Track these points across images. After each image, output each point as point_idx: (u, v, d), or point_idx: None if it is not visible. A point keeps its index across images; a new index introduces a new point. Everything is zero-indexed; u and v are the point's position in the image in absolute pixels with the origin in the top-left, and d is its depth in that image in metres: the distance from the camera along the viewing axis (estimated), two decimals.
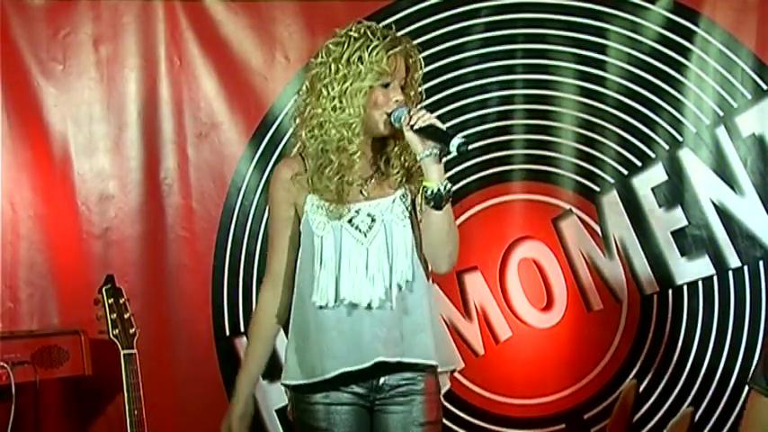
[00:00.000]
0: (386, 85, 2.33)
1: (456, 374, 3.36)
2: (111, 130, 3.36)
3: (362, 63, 2.30)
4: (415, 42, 2.40)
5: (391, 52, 2.32)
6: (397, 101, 2.33)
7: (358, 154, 2.32)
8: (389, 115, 2.32)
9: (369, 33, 2.33)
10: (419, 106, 2.35)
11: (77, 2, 3.34)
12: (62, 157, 3.33)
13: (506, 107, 3.55)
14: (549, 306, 3.56)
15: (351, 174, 2.33)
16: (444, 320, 2.91)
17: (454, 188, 2.34)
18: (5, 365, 2.87)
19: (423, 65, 2.39)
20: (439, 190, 2.26)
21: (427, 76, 2.50)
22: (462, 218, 3.43)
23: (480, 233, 3.49)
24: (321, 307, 2.34)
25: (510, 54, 3.53)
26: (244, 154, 3.41)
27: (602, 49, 3.53)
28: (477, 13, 3.52)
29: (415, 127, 2.27)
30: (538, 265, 3.55)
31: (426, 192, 2.28)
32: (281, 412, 3.37)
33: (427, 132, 2.26)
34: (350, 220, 2.35)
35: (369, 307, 2.32)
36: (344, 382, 2.35)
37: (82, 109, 3.34)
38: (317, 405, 2.36)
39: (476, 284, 3.51)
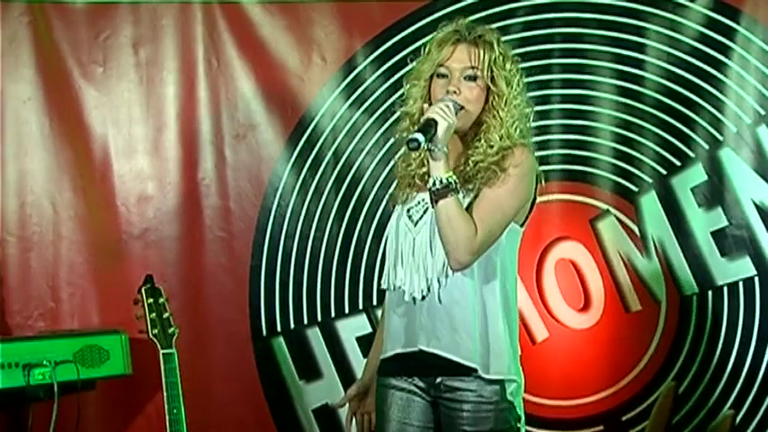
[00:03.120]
0: (443, 77, 2.34)
1: None
2: (150, 131, 3.40)
3: (424, 56, 2.37)
4: (514, 56, 2.41)
5: (442, 41, 2.33)
6: (448, 91, 2.32)
7: None
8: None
9: (441, 29, 2.38)
10: (461, 99, 2.31)
11: (118, 5, 3.38)
12: (102, 158, 3.37)
13: (543, 107, 3.51)
14: (586, 307, 3.54)
15: (416, 164, 2.37)
16: None
17: None
18: (48, 364, 2.89)
19: (506, 57, 2.35)
20: (434, 183, 2.26)
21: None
22: None
23: None
24: (390, 290, 2.42)
25: (547, 53, 3.51)
26: (281, 155, 3.43)
27: (640, 47, 3.50)
28: (514, 12, 3.50)
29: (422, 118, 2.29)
30: (575, 266, 3.53)
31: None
32: (317, 413, 3.40)
33: (420, 125, 2.26)
34: (409, 209, 2.40)
35: (413, 296, 2.35)
36: (404, 367, 2.39)
37: (121, 111, 3.39)
38: (383, 387, 2.43)
39: None
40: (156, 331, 2.94)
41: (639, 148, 3.53)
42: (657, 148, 3.52)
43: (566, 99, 3.53)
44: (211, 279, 3.38)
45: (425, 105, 2.33)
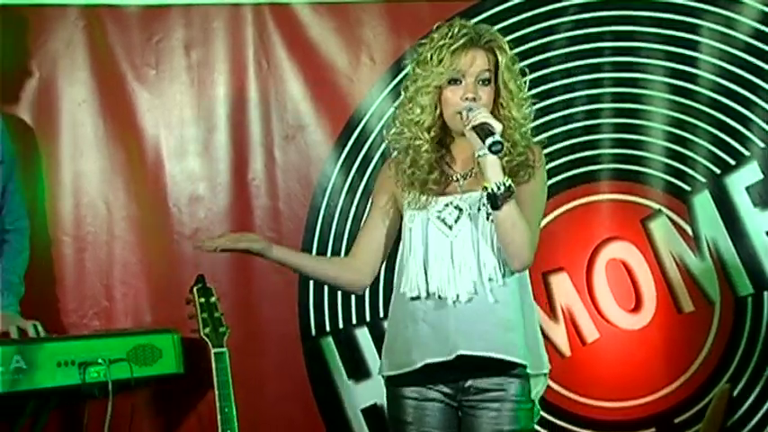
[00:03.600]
0: (456, 83, 2.34)
1: None
2: (201, 133, 3.43)
3: (430, 62, 2.34)
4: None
5: (454, 47, 2.31)
6: (466, 98, 2.33)
7: (426, 149, 2.36)
8: (460, 114, 2.32)
9: (446, 32, 2.36)
10: (481, 104, 2.31)
11: (170, 8, 3.42)
12: (154, 159, 3.41)
13: (594, 106, 3.51)
14: (637, 307, 3.50)
15: (425, 169, 2.36)
16: None
17: None
18: (103, 362, 2.92)
19: (514, 58, 2.37)
20: (493, 190, 2.25)
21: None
22: (548, 218, 3.40)
23: (567, 234, 3.46)
24: (411, 298, 2.38)
25: (598, 52, 3.49)
26: (329, 155, 3.44)
27: (693, 45, 3.47)
28: (565, 11, 3.49)
29: (468, 126, 2.27)
30: (626, 266, 3.50)
31: (484, 192, 2.28)
32: (366, 412, 3.41)
33: (477, 131, 2.26)
34: (438, 213, 2.38)
35: (457, 300, 2.33)
36: (432, 376, 2.36)
37: (173, 112, 3.42)
38: (407, 399, 2.40)
39: (562, 285, 3.47)
40: (207, 330, 2.97)
41: (692, 147, 3.49)
42: (711, 147, 3.48)
43: (617, 98, 3.51)
44: (261, 279, 3.40)
45: (437, 113, 2.33)
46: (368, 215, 2.56)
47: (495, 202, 2.26)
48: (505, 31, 3.34)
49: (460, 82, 2.34)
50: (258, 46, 3.42)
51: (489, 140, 2.22)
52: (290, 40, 3.42)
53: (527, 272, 2.41)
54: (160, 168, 3.41)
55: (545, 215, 3.26)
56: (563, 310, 3.49)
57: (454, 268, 2.34)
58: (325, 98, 3.44)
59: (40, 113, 3.36)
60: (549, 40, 3.48)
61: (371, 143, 3.41)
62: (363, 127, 3.43)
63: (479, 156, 2.26)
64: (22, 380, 2.79)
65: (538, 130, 3.27)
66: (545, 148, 3.05)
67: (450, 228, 2.36)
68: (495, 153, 2.22)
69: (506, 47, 2.37)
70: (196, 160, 3.42)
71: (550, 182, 3.40)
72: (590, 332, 3.49)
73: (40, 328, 2.96)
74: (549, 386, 3.33)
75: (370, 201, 2.54)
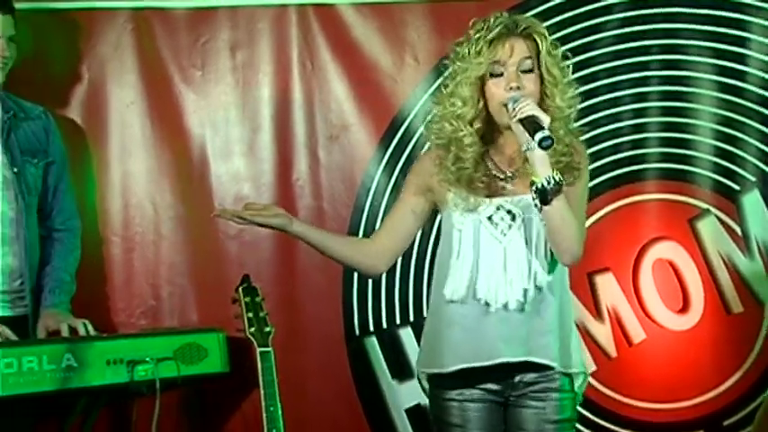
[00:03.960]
0: (498, 75, 2.31)
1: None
2: (246, 133, 3.45)
3: (469, 56, 2.32)
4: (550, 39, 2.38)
5: (491, 37, 2.29)
6: (510, 88, 2.29)
7: (470, 143, 2.32)
8: (505, 106, 2.29)
9: (482, 25, 2.34)
10: (526, 93, 2.28)
11: (216, 10, 3.44)
12: (200, 160, 3.44)
13: (640, 104, 3.47)
14: (685, 308, 3.46)
15: (470, 165, 2.33)
16: (575, 323, 2.88)
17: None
18: (150, 361, 2.94)
19: (555, 43, 2.34)
20: (543, 185, 2.22)
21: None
22: (594, 218, 3.38)
23: (612, 234, 3.43)
24: (451, 301, 2.36)
25: (645, 50, 3.45)
26: (373, 156, 3.45)
27: (742, 42, 3.42)
28: (610, 9, 3.45)
29: (515, 119, 2.24)
30: (673, 267, 3.46)
31: (532, 187, 2.25)
32: (410, 412, 3.41)
33: (524, 124, 2.22)
34: (489, 217, 2.34)
35: (504, 308, 2.32)
36: (469, 378, 2.36)
37: (219, 113, 3.44)
38: (452, 401, 2.40)
39: (608, 286, 3.44)
40: (253, 330, 2.98)
41: (741, 146, 3.44)
42: (760, 145, 3.44)
43: (664, 96, 3.47)
44: (305, 279, 3.41)
45: (480, 105, 2.31)
46: (396, 203, 2.55)
47: (544, 197, 2.23)
48: (550, 30, 3.28)
49: (502, 74, 2.30)
50: (302, 47, 3.43)
51: (539, 135, 2.18)
52: (335, 40, 3.43)
53: (566, 275, 2.40)
54: (206, 169, 3.43)
55: (589, 215, 3.29)
56: (609, 311, 3.46)
57: (506, 276, 2.32)
58: (369, 98, 3.44)
59: (89, 115, 3.41)
60: (595, 39, 3.45)
61: (415, 143, 3.40)
62: (407, 127, 3.43)
63: (526, 150, 2.23)
64: (73, 378, 2.82)
65: (584, 129, 3.26)
66: (589, 147, 3.06)
67: (504, 234, 2.33)
68: (545, 149, 2.19)
69: (545, 32, 2.34)
70: (241, 161, 3.44)
71: (596, 181, 3.41)
72: (636, 333, 3.45)
73: (89, 327, 2.99)
74: (594, 387, 3.39)
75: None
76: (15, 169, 3.03)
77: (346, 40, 3.43)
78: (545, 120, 2.22)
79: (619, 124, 3.46)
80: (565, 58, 2.37)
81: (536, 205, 2.26)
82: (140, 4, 3.43)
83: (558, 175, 2.23)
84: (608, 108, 3.45)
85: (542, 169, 2.23)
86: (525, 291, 2.31)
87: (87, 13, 3.42)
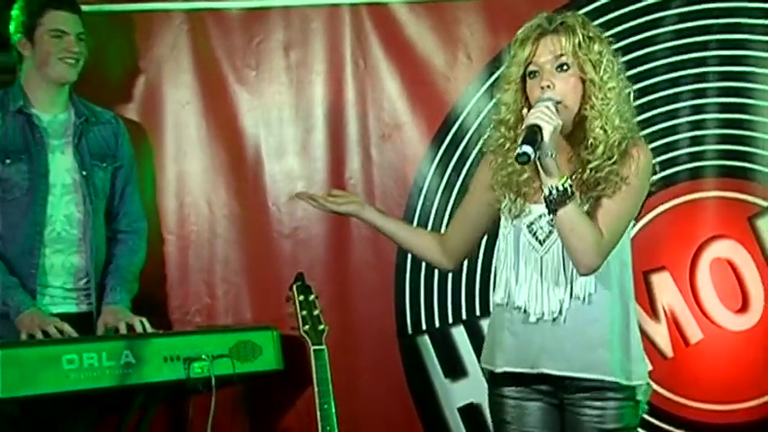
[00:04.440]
0: (535, 75, 2.25)
1: None
2: (300, 132, 3.47)
3: (509, 59, 2.30)
4: (606, 35, 2.34)
5: (524, 37, 2.24)
6: (542, 88, 2.23)
7: (510, 148, 2.27)
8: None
9: (525, 26, 2.30)
10: (556, 92, 2.21)
11: (270, 11, 3.47)
12: (254, 159, 3.46)
13: (700, 101, 3.40)
14: (744, 308, 3.39)
15: (515, 171, 2.29)
16: None
17: None
18: (206, 358, 2.97)
19: (593, 38, 2.25)
20: (550, 192, 2.16)
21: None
22: (650, 216, 3.34)
23: (669, 232, 3.38)
24: (498, 305, 2.36)
25: (704, 45, 3.39)
26: (426, 154, 3.44)
27: None
28: (670, 3, 3.39)
29: (523, 125, 2.18)
30: (732, 266, 3.39)
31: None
32: (463, 411, 3.40)
33: (524, 132, 2.14)
34: (530, 224, 2.31)
35: (541, 318, 2.29)
36: (519, 379, 2.34)
37: (272, 113, 3.47)
38: (507, 399, 2.38)
39: (664, 285, 3.39)
40: (306, 328, 3.01)
41: None
42: None
43: (723, 92, 3.40)
44: (357, 277, 3.42)
45: (525, 111, 2.23)
46: (463, 202, 2.54)
47: (549, 206, 2.17)
48: (608, 25, 3.32)
49: (539, 73, 2.24)
50: (355, 46, 3.44)
51: (518, 150, 2.10)
52: (387, 39, 3.43)
53: (629, 284, 2.33)
54: (260, 168, 3.46)
55: (644, 213, 3.25)
56: (665, 311, 3.40)
57: (542, 286, 2.28)
58: (422, 97, 3.44)
59: (146, 115, 3.45)
60: (654, 34, 3.40)
61: (468, 141, 3.39)
62: (460, 125, 3.41)
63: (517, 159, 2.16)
64: (132, 374, 2.86)
65: (641, 126, 3.21)
66: (648, 144, 3.00)
67: (542, 243, 2.29)
68: (520, 163, 2.12)
69: (579, 27, 2.24)
70: (294, 159, 3.46)
71: (652, 179, 3.36)
72: (694, 333, 3.39)
73: (146, 324, 3.04)
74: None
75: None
76: (84, 173, 3.12)
77: (399, 38, 3.43)
78: (546, 127, 2.12)
79: (677, 121, 3.40)
80: (610, 52, 2.27)
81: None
82: (196, 5, 3.47)
83: (567, 183, 2.15)
84: (666, 104, 3.40)
85: (547, 178, 2.16)
86: (561, 302, 2.26)
87: (144, 15, 3.47)
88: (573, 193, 2.16)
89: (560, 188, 2.15)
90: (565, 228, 2.19)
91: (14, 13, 3.10)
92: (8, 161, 3.02)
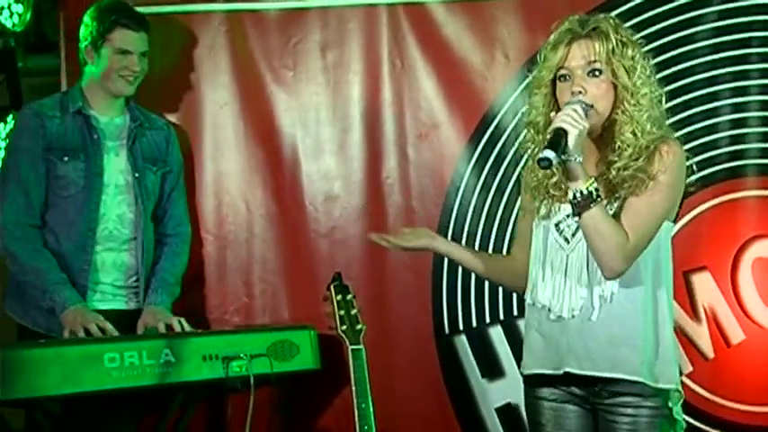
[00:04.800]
0: (566, 79, 2.25)
1: (683, 378, 3.23)
2: (336, 132, 3.48)
3: (540, 62, 2.29)
4: (642, 34, 2.34)
5: (556, 41, 2.24)
6: (573, 92, 2.22)
7: (538, 151, 2.25)
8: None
9: (557, 29, 2.29)
10: (587, 98, 2.20)
11: (307, 11, 3.48)
12: (292, 159, 3.48)
13: (740, 99, 3.36)
14: None
15: (545, 172, 2.27)
16: None
17: None
18: (245, 357, 2.98)
19: (626, 42, 2.24)
20: (575, 196, 2.16)
21: (657, 68, 2.40)
22: (690, 215, 3.31)
23: (710, 232, 3.34)
24: (529, 305, 2.36)
25: (744, 43, 3.35)
26: (463, 154, 3.43)
27: None
28: (710, 1, 3.36)
29: (549, 129, 2.18)
30: None
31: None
32: (500, 411, 3.38)
33: (549, 136, 2.15)
34: (558, 223, 2.31)
35: (562, 316, 2.28)
36: (550, 381, 2.33)
37: (309, 113, 3.48)
38: (543, 401, 2.37)
39: (705, 285, 3.35)
40: (344, 327, 3.01)
41: None
42: None
43: (765, 90, 3.36)
44: (394, 277, 3.42)
45: (553, 113, 2.22)
46: (517, 219, 2.54)
47: (574, 209, 2.17)
48: (646, 24, 3.30)
49: (570, 77, 2.24)
50: (392, 46, 3.44)
51: (540, 154, 2.11)
52: (424, 38, 3.43)
53: (665, 283, 2.30)
54: (297, 168, 3.47)
55: (685, 212, 3.21)
56: (706, 311, 3.36)
57: (566, 283, 2.28)
58: (459, 96, 3.43)
59: (184, 116, 3.48)
60: (694, 32, 3.37)
61: (505, 141, 3.37)
62: (497, 125, 3.40)
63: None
64: (171, 373, 2.88)
65: (679, 125, 3.21)
66: (686, 143, 2.97)
67: (568, 241, 2.29)
68: (542, 168, 2.13)
69: (613, 33, 2.23)
70: (331, 159, 3.47)
71: (692, 178, 3.29)
72: (735, 333, 3.35)
73: (184, 324, 3.07)
74: (690, 388, 3.30)
75: (503, 201, 2.53)
76: (137, 174, 3.18)
77: (436, 38, 3.43)
78: (572, 133, 2.11)
79: (716, 119, 3.37)
80: (642, 56, 2.26)
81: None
82: (234, 6, 3.49)
83: (592, 187, 2.14)
84: (706, 103, 3.37)
85: (572, 182, 2.16)
86: (583, 301, 2.26)
87: (184, 17, 3.50)
88: (598, 196, 2.16)
89: (585, 192, 2.15)
90: (589, 230, 2.18)
91: (86, 20, 3.18)
92: (66, 159, 3.10)
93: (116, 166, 3.16)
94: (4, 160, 3.19)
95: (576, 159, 2.14)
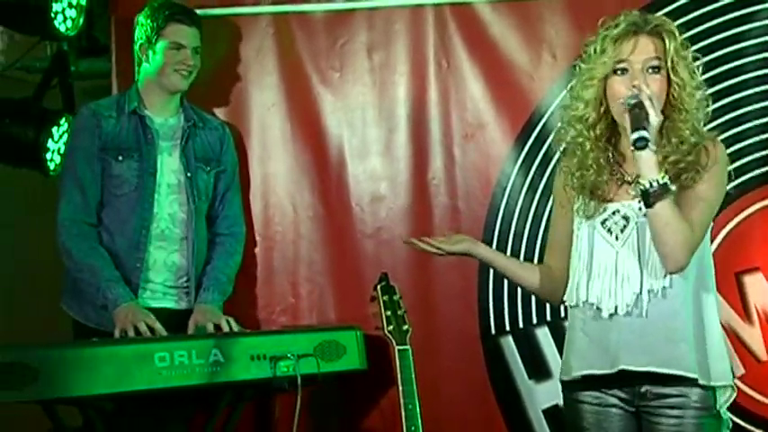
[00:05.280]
0: (623, 73, 2.24)
1: (735, 380, 3.17)
2: (383, 133, 3.48)
3: (594, 55, 2.28)
4: (692, 33, 2.32)
5: (617, 34, 2.23)
6: (633, 86, 2.22)
7: (591, 147, 2.28)
8: (624, 104, 2.23)
9: (611, 23, 2.28)
10: (647, 94, 2.20)
11: (354, 13, 3.49)
12: (338, 160, 3.49)
13: None
14: None
15: (593, 170, 2.28)
16: (722, 325, 2.79)
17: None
18: (292, 357, 2.99)
19: (684, 43, 2.25)
20: (646, 187, 2.15)
21: (705, 67, 2.39)
22: (742, 215, 3.25)
23: (762, 232, 3.27)
24: (571, 306, 2.34)
25: None
26: (509, 154, 3.41)
27: None
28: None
29: (625, 105, 2.19)
30: None
31: (637, 188, 2.19)
32: (548, 412, 3.35)
33: (631, 115, 2.16)
34: (603, 221, 2.30)
35: (615, 313, 2.26)
36: (595, 384, 2.30)
37: (356, 114, 3.49)
38: (584, 405, 2.35)
39: (758, 286, 3.28)
40: (391, 328, 3.01)
41: None
42: None
43: None
44: (440, 277, 3.40)
45: (602, 109, 2.25)
46: (551, 227, 2.52)
47: (647, 199, 2.17)
48: (695, 22, 3.25)
49: (627, 72, 2.24)
50: (438, 46, 3.43)
51: (635, 135, 2.12)
52: (471, 39, 3.42)
53: (709, 278, 2.30)
54: (343, 168, 3.48)
55: (737, 212, 3.16)
56: (758, 312, 3.30)
57: (617, 280, 2.26)
58: (505, 96, 3.41)
59: (233, 118, 3.50)
60: (745, 30, 3.31)
61: (552, 141, 3.31)
62: (544, 125, 3.37)
63: (632, 148, 2.17)
64: (220, 372, 2.91)
65: (729, 125, 3.17)
66: (737, 143, 2.93)
67: (617, 238, 2.28)
68: (639, 149, 2.13)
69: (675, 31, 2.25)
70: (377, 160, 3.48)
71: (744, 177, 3.26)
72: None
73: (233, 323, 3.09)
74: (743, 390, 3.24)
75: (550, 202, 2.52)
76: (189, 174, 3.22)
77: (483, 38, 3.41)
78: (653, 116, 2.15)
79: None
80: (695, 58, 2.28)
81: (640, 208, 2.22)
82: (281, 8, 3.51)
83: (665, 178, 2.16)
84: (757, 102, 3.30)
85: (647, 171, 2.16)
86: (637, 296, 2.24)
87: (232, 19, 3.53)
88: (670, 188, 2.17)
89: (660, 182, 2.16)
90: (660, 222, 2.19)
91: (140, 20, 3.24)
92: (120, 158, 3.15)
93: (169, 166, 3.21)
94: (63, 159, 3.26)
95: (653, 149, 2.17)
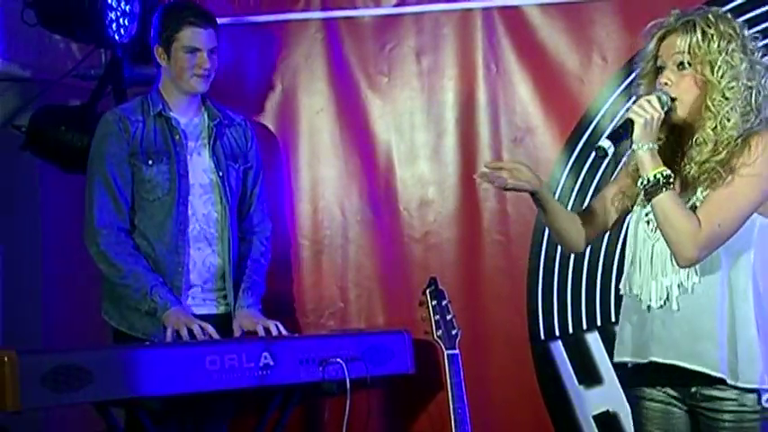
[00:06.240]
0: (661, 70, 2.27)
1: None
2: (431, 137, 3.47)
3: (645, 53, 2.32)
4: (749, 32, 2.27)
5: (654, 34, 2.27)
6: (659, 83, 2.26)
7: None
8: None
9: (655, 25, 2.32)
10: (671, 90, 2.24)
11: (402, 17, 3.49)
12: (386, 164, 3.49)
13: None
14: None
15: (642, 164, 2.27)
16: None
17: None
18: (341, 361, 3.01)
19: (715, 35, 2.21)
20: (642, 183, 2.22)
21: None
22: None
23: None
24: (624, 294, 2.39)
25: None
26: (559, 158, 3.38)
27: None
28: None
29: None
30: None
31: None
32: (598, 419, 3.33)
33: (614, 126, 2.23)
34: (647, 213, 2.32)
35: (650, 305, 2.29)
36: (654, 378, 2.33)
37: (404, 118, 3.49)
38: (640, 400, 2.37)
39: None
40: (440, 332, 3.02)
41: None
42: None
43: None
44: (489, 282, 3.40)
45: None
46: (607, 185, 2.54)
47: (646, 194, 2.23)
48: (756, 21, 3.18)
49: (663, 69, 2.28)
50: (487, 49, 3.42)
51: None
52: (519, 42, 3.40)
53: (743, 280, 2.25)
54: (391, 173, 3.48)
55: None
56: None
57: (652, 273, 2.29)
58: (555, 100, 3.39)
59: (282, 123, 3.53)
60: None
61: None
62: (594, 128, 3.34)
63: (634, 147, 2.23)
64: (270, 375, 2.93)
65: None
66: None
67: (654, 230, 2.30)
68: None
69: (701, 25, 2.22)
70: (426, 164, 3.47)
71: None
72: None
73: (281, 327, 3.11)
74: None
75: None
76: (221, 173, 3.21)
77: (532, 41, 3.39)
78: (637, 123, 2.19)
79: None
80: (735, 49, 2.22)
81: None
82: (330, 14, 3.52)
83: (660, 174, 2.19)
84: None
85: (642, 168, 2.23)
86: (668, 290, 2.26)
87: (281, 25, 3.54)
88: (666, 183, 2.20)
89: (651, 179, 2.20)
90: (659, 218, 2.23)
91: (153, 22, 3.22)
92: (150, 162, 3.14)
93: (199, 166, 3.19)
94: (89, 166, 3.19)
95: (643, 147, 2.21)
